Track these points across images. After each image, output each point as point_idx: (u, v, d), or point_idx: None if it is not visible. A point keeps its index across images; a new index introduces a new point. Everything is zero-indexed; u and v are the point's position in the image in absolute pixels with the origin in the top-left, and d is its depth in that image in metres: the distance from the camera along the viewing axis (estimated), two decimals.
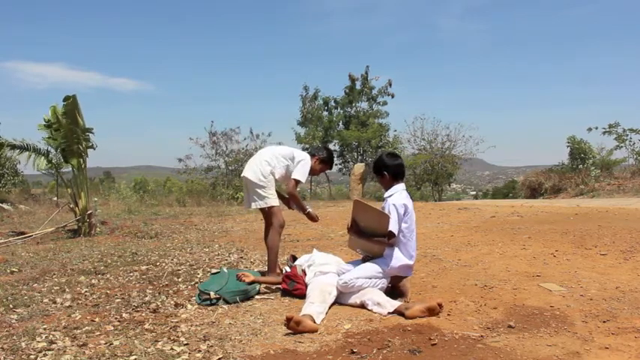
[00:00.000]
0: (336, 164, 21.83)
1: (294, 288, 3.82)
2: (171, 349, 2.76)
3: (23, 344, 2.88)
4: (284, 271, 4.07)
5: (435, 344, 2.69)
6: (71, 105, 7.75)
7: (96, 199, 11.10)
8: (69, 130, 7.88)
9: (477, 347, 2.65)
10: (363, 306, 3.45)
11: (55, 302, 3.85)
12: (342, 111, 23.29)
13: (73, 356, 2.68)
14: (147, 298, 3.88)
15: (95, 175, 32.94)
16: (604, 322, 2.96)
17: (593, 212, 8.21)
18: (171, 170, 31.28)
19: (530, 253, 5.04)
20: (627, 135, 17.70)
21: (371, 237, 3.71)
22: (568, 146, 19.42)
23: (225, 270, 4.03)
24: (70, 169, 8.51)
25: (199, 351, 2.71)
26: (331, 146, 22.37)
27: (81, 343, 2.87)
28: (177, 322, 3.27)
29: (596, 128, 18.34)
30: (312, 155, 4.48)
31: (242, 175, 4.43)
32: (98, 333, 3.07)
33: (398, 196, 3.70)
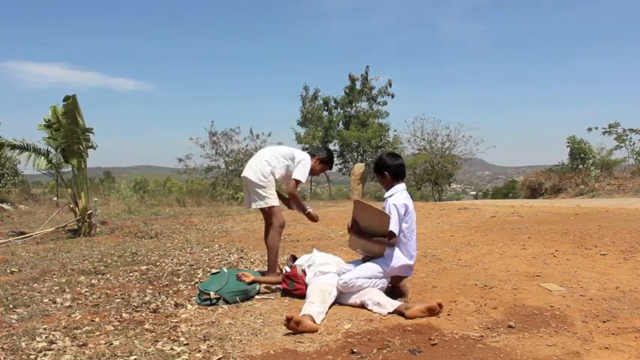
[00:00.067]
0: (336, 164, 21.82)
1: (294, 288, 3.81)
2: (171, 349, 2.76)
3: (23, 344, 2.88)
4: (284, 271, 4.07)
5: (435, 344, 2.69)
6: (71, 105, 7.75)
7: (96, 199, 11.11)
8: (69, 130, 7.89)
9: (477, 347, 2.65)
10: (363, 306, 3.44)
11: (55, 302, 3.85)
12: (342, 111, 23.28)
13: (73, 356, 2.68)
14: (147, 298, 3.88)
15: (95, 175, 32.97)
16: (604, 322, 2.96)
17: (593, 212, 8.21)
18: (171, 170, 31.30)
19: (530, 253, 5.04)
20: (627, 135, 17.73)
21: (371, 237, 3.70)
22: (568, 146, 19.44)
23: (225, 270, 4.03)
24: (70, 169, 8.52)
25: (199, 351, 2.71)
26: (331, 146, 22.39)
27: (81, 343, 2.87)
28: (177, 322, 3.26)
29: (596, 128, 18.39)
30: (312, 155, 4.48)
31: (242, 175, 4.43)
32: (98, 333, 3.07)
33: (398, 196, 3.70)
